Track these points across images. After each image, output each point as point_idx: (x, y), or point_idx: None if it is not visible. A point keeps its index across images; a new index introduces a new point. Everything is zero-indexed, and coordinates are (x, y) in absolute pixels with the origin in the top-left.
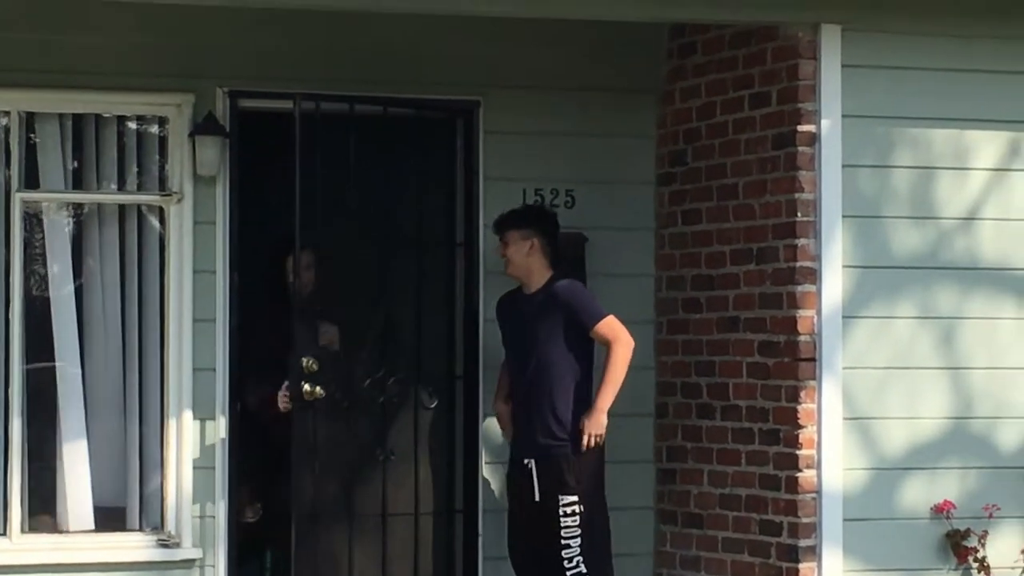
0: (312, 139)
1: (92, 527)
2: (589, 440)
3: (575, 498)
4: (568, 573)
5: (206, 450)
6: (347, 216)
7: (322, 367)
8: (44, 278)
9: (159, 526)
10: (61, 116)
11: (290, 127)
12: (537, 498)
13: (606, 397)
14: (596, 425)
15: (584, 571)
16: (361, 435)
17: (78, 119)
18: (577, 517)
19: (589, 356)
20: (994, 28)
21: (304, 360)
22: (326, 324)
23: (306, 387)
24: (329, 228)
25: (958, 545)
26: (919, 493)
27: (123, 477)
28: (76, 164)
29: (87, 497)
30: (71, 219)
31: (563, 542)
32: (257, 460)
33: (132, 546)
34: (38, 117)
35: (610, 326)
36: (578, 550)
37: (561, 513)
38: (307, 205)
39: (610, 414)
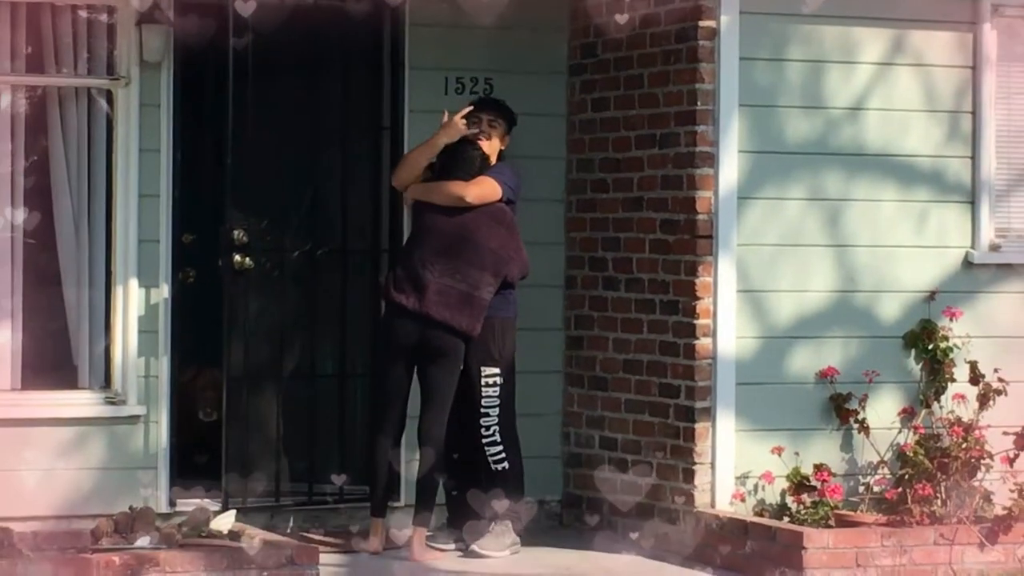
0: (246, 28)
1: (45, 386)
2: None
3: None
4: (485, 440)
5: (150, 314)
6: (282, 100)
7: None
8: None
9: (106, 385)
10: (15, 4)
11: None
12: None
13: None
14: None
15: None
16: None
17: (33, 7)
18: (497, 388)
19: None
20: None
21: (235, 232)
22: None
23: (236, 257)
24: (263, 110)
25: (840, 407)
26: (806, 360)
27: (75, 339)
28: (31, 50)
29: (38, 357)
30: (26, 101)
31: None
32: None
33: (82, 403)
34: None
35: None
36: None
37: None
38: (240, 88)
39: (525, 284)
